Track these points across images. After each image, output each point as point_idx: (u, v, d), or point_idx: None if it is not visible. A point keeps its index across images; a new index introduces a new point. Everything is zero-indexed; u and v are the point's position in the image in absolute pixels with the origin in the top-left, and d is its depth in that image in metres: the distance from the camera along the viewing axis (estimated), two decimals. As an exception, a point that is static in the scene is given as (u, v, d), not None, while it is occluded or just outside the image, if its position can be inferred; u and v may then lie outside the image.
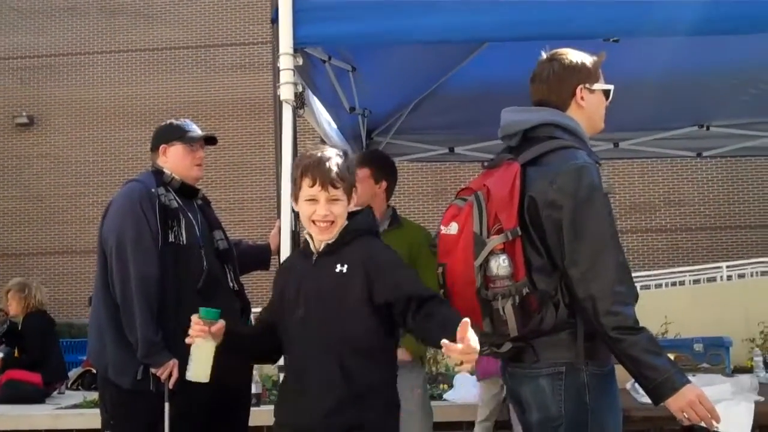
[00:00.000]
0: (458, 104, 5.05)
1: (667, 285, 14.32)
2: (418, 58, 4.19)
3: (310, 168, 2.66)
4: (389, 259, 2.73)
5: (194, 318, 2.69)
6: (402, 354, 4.34)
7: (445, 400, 7.36)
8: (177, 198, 3.81)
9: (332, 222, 2.69)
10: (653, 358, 2.53)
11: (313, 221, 2.69)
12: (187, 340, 2.69)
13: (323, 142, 4.60)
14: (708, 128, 5.52)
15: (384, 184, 4.43)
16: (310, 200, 2.68)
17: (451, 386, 8.02)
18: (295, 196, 2.76)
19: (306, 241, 2.81)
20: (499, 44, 3.97)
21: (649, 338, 2.56)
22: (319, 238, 2.73)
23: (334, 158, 2.69)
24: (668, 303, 11.44)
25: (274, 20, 3.03)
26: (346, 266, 2.66)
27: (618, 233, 2.71)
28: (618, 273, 2.59)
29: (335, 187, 2.66)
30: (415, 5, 2.71)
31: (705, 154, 5.83)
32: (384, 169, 4.46)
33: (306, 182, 2.68)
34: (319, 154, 2.69)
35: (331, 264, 2.69)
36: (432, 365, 10.47)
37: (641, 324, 2.56)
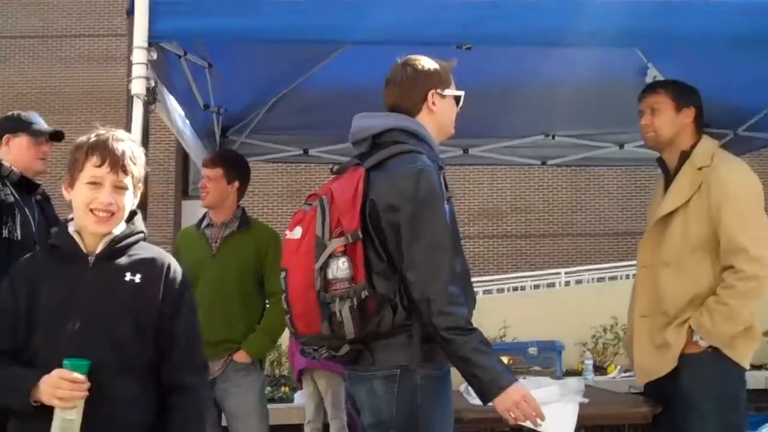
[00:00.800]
0: (314, 106, 5.06)
1: (509, 290, 14.77)
2: (275, 57, 4.18)
3: (99, 146, 2.36)
4: (183, 289, 2.49)
5: (67, 375, 2.20)
6: (240, 356, 4.34)
7: (285, 402, 7.37)
8: (14, 192, 3.68)
9: (113, 214, 2.38)
10: (482, 358, 2.61)
11: (92, 210, 2.37)
12: (62, 405, 2.20)
13: (177, 140, 4.53)
14: (553, 137, 5.72)
15: (236, 184, 4.42)
16: (92, 183, 2.36)
17: (293, 389, 8.02)
18: (72, 179, 2.40)
19: (68, 239, 2.43)
20: (356, 47, 4.02)
21: (480, 339, 2.64)
22: (93, 230, 2.40)
23: (128, 142, 2.44)
24: (510, 307, 11.81)
25: (130, 12, 2.96)
26: (138, 276, 2.40)
27: (459, 237, 2.82)
28: (453, 275, 2.67)
29: (125, 173, 2.38)
30: (275, 4, 2.69)
31: (549, 162, 6.03)
32: (237, 169, 4.44)
33: (92, 162, 2.35)
34: (111, 133, 2.42)
35: (118, 271, 2.39)
36: (275, 368, 10.43)
37: (476, 326, 2.65)
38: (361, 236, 2.65)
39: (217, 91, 4.25)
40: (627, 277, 13.09)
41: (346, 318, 2.61)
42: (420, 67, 2.90)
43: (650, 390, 3.73)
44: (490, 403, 2.63)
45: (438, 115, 2.92)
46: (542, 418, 2.62)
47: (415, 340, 2.68)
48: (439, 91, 2.90)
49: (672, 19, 2.76)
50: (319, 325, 2.66)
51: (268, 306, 4.48)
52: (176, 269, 2.50)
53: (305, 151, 5.76)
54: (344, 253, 2.63)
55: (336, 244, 2.64)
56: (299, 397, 7.37)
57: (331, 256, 2.63)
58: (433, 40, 2.76)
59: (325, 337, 2.68)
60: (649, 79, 4.76)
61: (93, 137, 2.40)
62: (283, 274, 2.76)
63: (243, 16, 2.64)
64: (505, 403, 2.60)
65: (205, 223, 4.51)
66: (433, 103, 2.90)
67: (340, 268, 2.62)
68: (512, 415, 2.61)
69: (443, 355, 2.71)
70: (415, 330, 2.68)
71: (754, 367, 9.98)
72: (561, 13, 2.69)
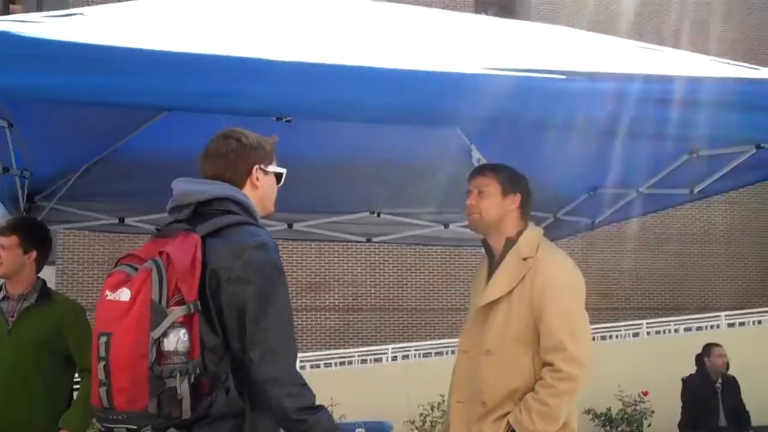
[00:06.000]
0: (131, 173, 4.81)
1: (336, 365, 14.65)
2: (89, 120, 3.91)
3: None
4: None
5: None
6: None
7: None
8: None
9: None
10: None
11: None
12: None
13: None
14: (379, 215, 5.70)
15: (34, 254, 4.15)
16: None
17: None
18: None
19: None
20: (176, 114, 3.84)
21: (328, 416, 2.59)
22: None
23: None
24: (337, 383, 11.69)
25: None
26: None
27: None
28: (295, 356, 2.59)
29: None
30: (84, 61, 2.46)
31: (375, 239, 6.02)
32: (35, 238, 4.18)
33: None
34: None
35: None
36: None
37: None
38: (200, 307, 2.46)
39: (21, 153, 3.95)
40: (453, 352, 13.25)
41: (185, 395, 2.39)
42: (245, 140, 2.80)
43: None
44: None
45: (260, 192, 2.82)
46: None
47: None
48: (262, 167, 2.82)
49: (487, 101, 2.73)
50: (146, 402, 2.40)
51: (82, 380, 4.18)
52: None
53: (121, 220, 5.46)
54: (182, 324, 2.42)
55: (178, 313, 2.42)
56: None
57: (171, 325, 2.41)
58: (250, 110, 2.61)
59: (149, 415, 2.41)
60: (474, 161, 4.82)
61: None
62: (103, 339, 2.46)
63: (43, 73, 2.38)
64: None
65: (0, 295, 4.18)
66: (257, 178, 2.80)
67: (181, 340, 2.40)
68: None
69: None
70: (247, 421, 2.52)
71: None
72: (367, 88, 2.61)
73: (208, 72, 2.51)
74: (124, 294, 2.48)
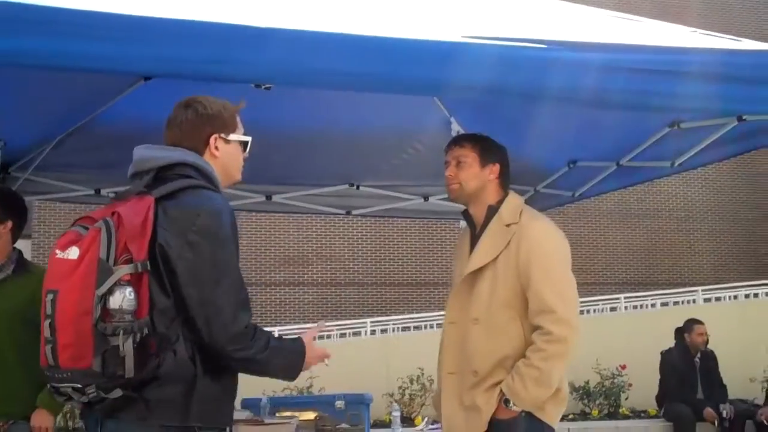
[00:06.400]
0: (108, 143, 4.74)
1: (314, 338, 14.66)
2: (64, 89, 3.85)
3: None
4: None
5: None
6: (39, 418, 3.98)
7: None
8: None
9: None
10: (280, 354, 2.70)
11: None
12: None
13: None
14: (358, 187, 5.67)
15: (9, 224, 4.09)
16: None
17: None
18: None
19: None
20: (154, 83, 3.79)
21: (268, 338, 2.66)
22: None
23: None
24: (315, 357, 11.69)
25: None
26: None
27: None
28: (250, 315, 2.63)
29: None
30: (64, 25, 2.39)
31: (354, 212, 6.01)
32: (9, 207, 4.12)
33: None
34: None
35: None
36: (68, 420, 9.80)
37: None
38: (149, 267, 2.46)
39: (-7, 122, 3.89)
40: (431, 326, 13.27)
41: (128, 353, 2.38)
42: (201, 109, 2.78)
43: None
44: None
45: (221, 160, 2.80)
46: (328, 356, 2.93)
47: (196, 401, 2.52)
48: (222, 135, 2.80)
49: (465, 68, 2.70)
50: (90, 360, 2.38)
51: None
52: None
53: (97, 191, 5.41)
54: (129, 282, 2.42)
55: (124, 270, 2.42)
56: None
57: (117, 283, 2.40)
58: (228, 77, 2.57)
59: (93, 374, 2.40)
60: (453, 132, 4.79)
61: None
62: (50, 297, 2.46)
63: (10, 37, 2.34)
64: (311, 359, 2.83)
65: None
66: (216, 147, 2.78)
67: (126, 298, 2.40)
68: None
69: (222, 414, 2.66)
70: (199, 386, 2.52)
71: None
72: (349, 56, 2.58)
73: (194, 39, 2.49)
74: (73, 252, 2.49)
